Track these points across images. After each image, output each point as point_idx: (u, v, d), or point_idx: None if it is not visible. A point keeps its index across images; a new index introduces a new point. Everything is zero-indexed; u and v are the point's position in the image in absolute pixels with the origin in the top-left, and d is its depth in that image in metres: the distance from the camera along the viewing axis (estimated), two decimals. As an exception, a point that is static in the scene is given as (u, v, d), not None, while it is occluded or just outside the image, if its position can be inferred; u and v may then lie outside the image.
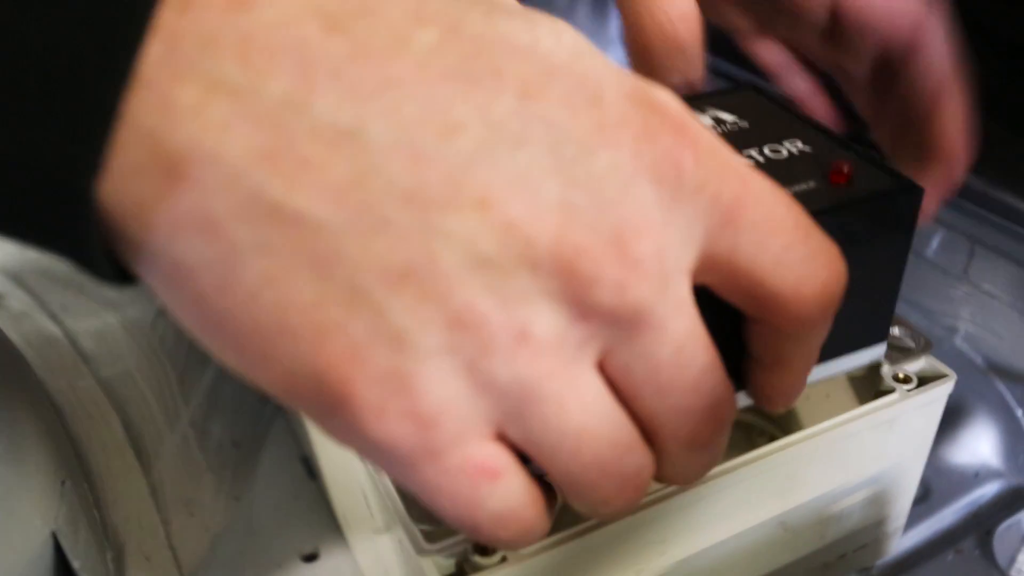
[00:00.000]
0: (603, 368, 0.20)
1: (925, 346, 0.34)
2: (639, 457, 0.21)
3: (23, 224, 0.17)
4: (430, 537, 0.27)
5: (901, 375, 0.33)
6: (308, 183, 0.16)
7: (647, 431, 0.21)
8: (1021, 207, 0.44)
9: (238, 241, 0.17)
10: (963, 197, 0.46)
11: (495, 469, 0.20)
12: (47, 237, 0.17)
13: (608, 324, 0.19)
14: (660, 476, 0.22)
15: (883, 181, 0.29)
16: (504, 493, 0.20)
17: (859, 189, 0.28)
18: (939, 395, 0.33)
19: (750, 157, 0.30)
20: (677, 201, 0.19)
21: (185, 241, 0.17)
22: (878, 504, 0.35)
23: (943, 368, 0.33)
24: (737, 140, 0.31)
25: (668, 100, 0.20)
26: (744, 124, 0.32)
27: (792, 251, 0.21)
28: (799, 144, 0.31)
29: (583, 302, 0.18)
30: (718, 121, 0.32)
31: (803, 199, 0.28)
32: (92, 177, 0.16)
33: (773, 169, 0.30)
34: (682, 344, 0.20)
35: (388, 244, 0.17)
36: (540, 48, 0.19)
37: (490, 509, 0.20)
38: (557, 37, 0.19)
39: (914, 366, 0.33)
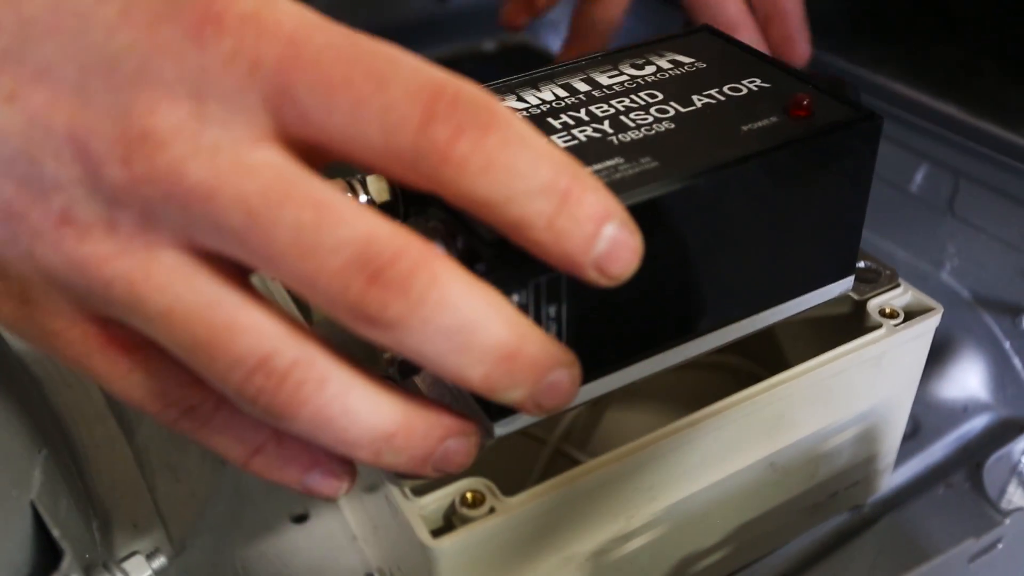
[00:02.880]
0: (202, 250, 0.20)
1: (891, 276, 0.34)
2: (252, 338, 0.20)
3: None
4: (417, 491, 0.27)
5: (888, 310, 0.33)
6: None
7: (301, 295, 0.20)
8: (1005, 137, 0.44)
9: None
10: (946, 128, 0.46)
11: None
12: None
13: (152, 203, 0.19)
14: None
15: (843, 112, 0.29)
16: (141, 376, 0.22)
17: (820, 121, 0.29)
18: (926, 328, 0.33)
19: (710, 96, 0.30)
20: (207, 73, 0.19)
21: None
22: (868, 441, 0.35)
23: (930, 301, 0.33)
24: (696, 81, 0.31)
25: None
26: (702, 65, 0.32)
27: (366, 105, 0.19)
28: (758, 82, 0.31)
29: (105, 182, 0.19)
30: (676, 64, 0.32)
31: (765, 134, 0.28)
32: None
33: (733, 106, 0.29)
34: (255, 206, 0.19)
35: None
36: None
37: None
38: None
39: (900, 300, 0.33)
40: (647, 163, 0.26)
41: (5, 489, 0.27)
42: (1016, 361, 0.42)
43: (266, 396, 0.20)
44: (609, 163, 0.26)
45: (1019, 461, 0.39)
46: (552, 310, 0.25)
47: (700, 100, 0.30)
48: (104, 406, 0.36)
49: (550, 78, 0.32)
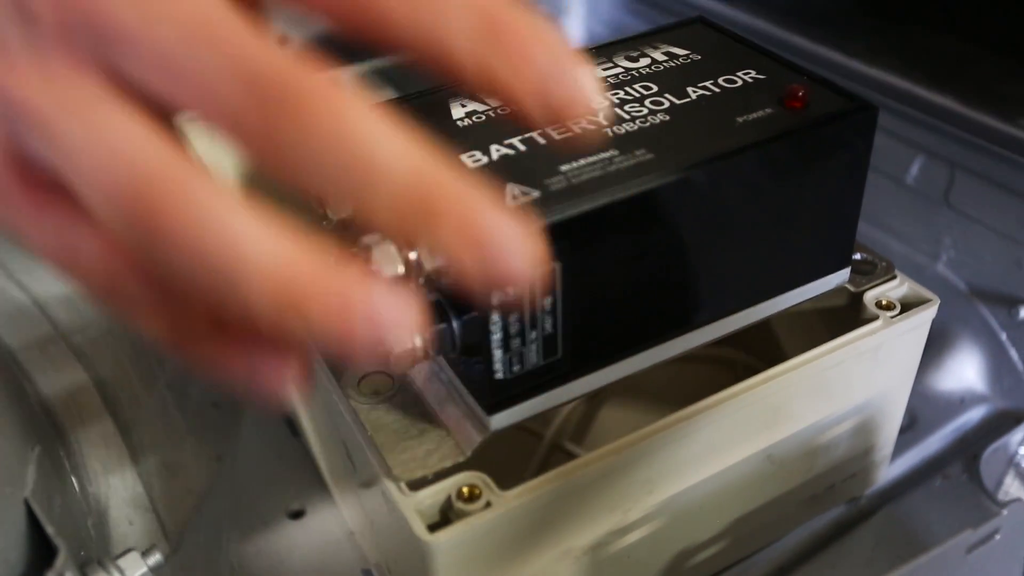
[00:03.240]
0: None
1: (888, 268, 0.34)
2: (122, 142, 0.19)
3: None
4: (413, 486, 0.27)
5: (884, 302, 0.33)
6: None
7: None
8: (1001, 129, 0.44)
9: None
10: (942, 120, 0.46)
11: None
12: None
13: (70, 27, 0.19)
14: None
15: (838, 102, 0.29)
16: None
17: (815, 112, 0.28)
18: (923, 320, 0.33)
19: (705, 88, 0.30)
20: None
21: None
22: (865, 433, 0.35)
23: (926, 293, 0.33)
24: (691, 73, 0.31)
25: None
26: (697, 57, 0.32)
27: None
28: (753, 73, 0.31)
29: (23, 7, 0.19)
30: (671, 56, 0.32)
31: (760, 125, 0.28)
32: None
33: (729, 98, 0.29)
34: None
35: None
36: None
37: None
38: None
39: (897, 292, 0.33)
40: (642, 155, 0.26)
41: (-2, 486, 0.26)
42: (1012, 352, 0.42)
43: (128, 203, 0.19)
44: (604, 155, 0.26)
45: (1016, 452, 0.39)
46: (547, 302, 0.25)
47: (695, 92, 0.29)
48: (99, 403, 0.36)
49: None
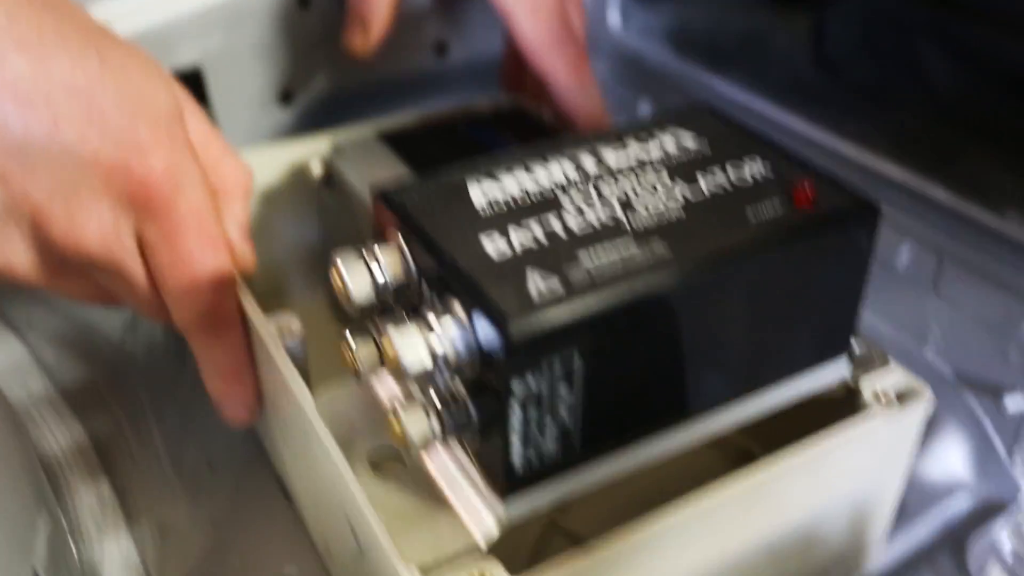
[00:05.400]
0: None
1: (883, 358, 0.34)
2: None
3: None
4: (423, 570, 0.27)
5: (879, 392, 0.33)
6: None
7: None
8: (988, 221, 0.45)
9: None
10: (931, 209, 0.47)
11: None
12: None
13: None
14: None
15: (844, 201, 0.30)
16: None
17: (823, 210, 0.29)
18: (918, 412, 0.34)
19: (717, 183, 0.31)
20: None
21: None
22: (858, 523, 0.35)
23: (920, 385, 0.34)
24: (702, 164, 0.32)
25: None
26: (707, 149, 0.33)
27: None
28: (760, 167, 0.32)
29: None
30: (681, 145, 0.33)
31: (774, 225, 0.29)
32: None
33: (740, 195, 0.30)
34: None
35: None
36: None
37: None
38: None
39: (892, 383, 0.34)
40: (661, 252, 0.27)
41: (7, 553, 0.26)
42: (997, 441, 0.43)
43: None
44: (624, 251, 0.27)
45: (1000, 542, 0.39)
46: (567, 392, 0.26)
47: (707, 187, 0.30)
48: (97, 463, 0.36)
49: (559, 150, 0.32)
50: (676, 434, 0.30)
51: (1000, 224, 0.45)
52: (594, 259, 0.27)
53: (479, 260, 0.26)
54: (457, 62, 0.61)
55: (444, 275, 0.27)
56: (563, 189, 0.30)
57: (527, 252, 0.27)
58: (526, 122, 0.49)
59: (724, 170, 0.31)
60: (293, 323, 0.33)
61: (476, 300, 0.25)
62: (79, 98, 0.27)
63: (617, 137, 0.33)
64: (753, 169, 0.31)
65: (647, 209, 0.29)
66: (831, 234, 0.29)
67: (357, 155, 0.45)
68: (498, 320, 0.24)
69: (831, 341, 0.32)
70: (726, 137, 0.34)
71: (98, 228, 0.29)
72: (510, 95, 0.52)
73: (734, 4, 0.61)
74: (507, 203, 0.29)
